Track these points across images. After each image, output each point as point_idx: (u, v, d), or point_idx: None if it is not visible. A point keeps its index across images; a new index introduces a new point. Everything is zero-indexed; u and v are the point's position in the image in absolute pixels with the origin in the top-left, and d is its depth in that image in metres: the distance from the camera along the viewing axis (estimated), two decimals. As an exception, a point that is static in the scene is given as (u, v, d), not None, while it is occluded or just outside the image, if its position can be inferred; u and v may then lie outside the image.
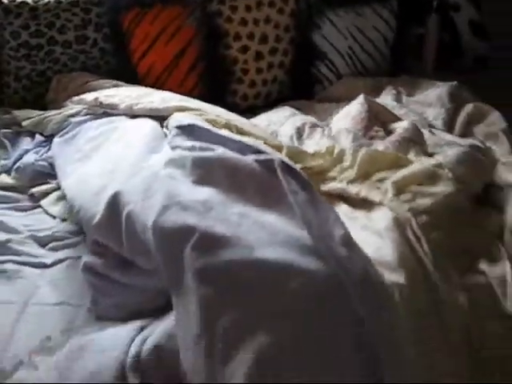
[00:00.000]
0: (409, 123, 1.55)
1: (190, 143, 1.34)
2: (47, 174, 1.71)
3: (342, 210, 1.24)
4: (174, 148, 1.39)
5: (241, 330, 0.95)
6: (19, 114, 1.94)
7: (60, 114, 1.87)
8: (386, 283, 1.02)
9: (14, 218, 1.57)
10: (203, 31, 2.13)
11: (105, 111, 1.78)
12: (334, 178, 1.35)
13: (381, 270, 1.04)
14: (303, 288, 0.99)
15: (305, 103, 2.09)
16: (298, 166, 1.28)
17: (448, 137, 1.61)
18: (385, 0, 2.28)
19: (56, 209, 1.60)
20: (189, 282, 1.01)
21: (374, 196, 1.25)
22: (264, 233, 1.06)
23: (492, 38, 2.31)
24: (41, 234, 1.51)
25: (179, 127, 1.45)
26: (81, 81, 2.03)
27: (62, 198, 1.60)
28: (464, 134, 1.73)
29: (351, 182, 1.31)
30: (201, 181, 1.20)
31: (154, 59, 2.11)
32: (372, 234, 1.15)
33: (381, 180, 1.29)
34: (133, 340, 1.09)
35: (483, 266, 1.16)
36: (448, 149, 1.43)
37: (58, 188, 1.63)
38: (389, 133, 1.54)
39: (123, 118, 1.72)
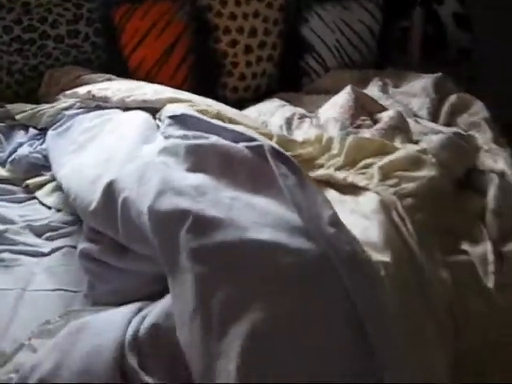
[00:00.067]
0: (394, 112, 1.60)
1: (182, 132, 1.38)
2: (41, 166, 1.74)
3: (331, 195, 1.28)
4: (167, 137, 1.42)
5: (235, 306, 0.98)
6: (12, 107, 1.97)
7: (53, 107, 1.89)
8: (373, 261, 1.06)
9: (9, 210, 1.59)
10: (193, 25, 2.16)
11: (98, 104, 1.80)
12: (322, 165, 1.39)
13: (368, 250, 1.08)
14: (294, 266, 1.03)
15: (293, 95, 2.12)
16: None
17: (432, 125, 1.66)
18: (370, -7, 2.33)
19: (51, 200, 1.63)
20: (184, 262, 1.04)
21: (361, 181, 1.29)
22: (255, 215, 1.09)
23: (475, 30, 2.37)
24: (36, 224, 1.54)
25: (172, 117, 1.48)
26: (73, 75, 2.06)
27: (57, 189, 1.64)
28: (448, 123, 1.77)
29: (339, 168, 1.36)
30: (194, 168, 1.24)
31: (144, 53, 2.14)
32: (359, 216, 1.19)
33: (367, 166, 1.33)
34: (130, 321, 1.11)
35: (465, 245, 1.21)
36: (432, 136, 1.48)
37: (53, 179, 1.66)
38: (375, 122, 1.59)
39: (116, 110, 1.75)
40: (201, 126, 1.41)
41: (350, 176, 1.32)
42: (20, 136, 1.88)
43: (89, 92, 1.84)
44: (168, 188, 1.15)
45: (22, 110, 1.94)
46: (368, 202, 1.23)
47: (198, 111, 1.50)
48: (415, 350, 1.06)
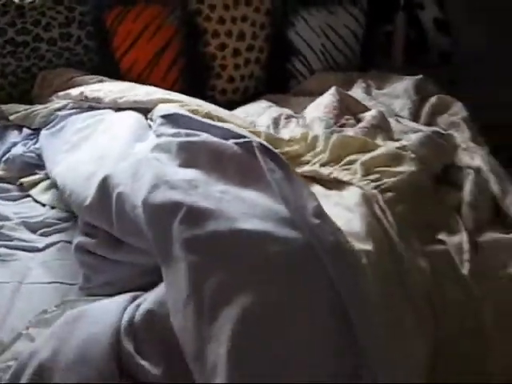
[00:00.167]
0: (376, 112, 1.66)
1: (174, 130, 1.43)
2: (35, 165, 1.78)
3: (316, 189, 1.34)
4: (159, 136, 1.47)
5: (226, 291, 1.02)
6: (6, 108, 2.00)
7: (46, 108, 1.93)
8: (355, 249, 1.11)
9: (4, 207, 1.63)
10: (183, 29, 2.21)
11: (90, 105, 1.84)
12: (308, 162, 1.45)
13: (351, 240, 1.13)
14: (281, 254, 1.07)
15: (280, 97, 2.18)
16: (274, 151, 1.37)
17: (413, 125, 1.72)
18: (355, -1, 2.40)
19: (45, 197, 1.67)
20: (177, 252, 1.09)
21: (345, 176, 1.35)
22: (244, 206, 1.14)
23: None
24: (31, 221, 1.57)
25: (164, 116, 1.53)
26: (66, 77, 2.09)
27: (51, 187, 1.67)
28: (429, 123, 1.83)
29: (324, 164, 1.42)
30: (186, 163, 1.29)
31: (136, 56, 2.18)
32: (343, 209, 1.25)
33: (351, 162, 1.40)
34: (125, 309, 1.15)
35: (443, 236, 1.26)
36: (412, 134, 1.55)
37: (47, 178, 1.70)
38: (358, 121, 1.65)
39: (108, 110, 1.79)
40: (192, 124, 1.46)
41: (335, 172, 1.38)
42: (14, 136, 1.92)
43: (81, 93, 1.88)
44: (161, 182, 1.20)
45: (15, 110, 1.98)
46: (351, 195, 1.29)
47: (188, 111, 1.55)
48: (396, 341, 1.09)
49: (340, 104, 1.71)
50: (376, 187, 1.30)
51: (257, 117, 1.88)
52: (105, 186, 1.33)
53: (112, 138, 1.60)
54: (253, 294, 1.02)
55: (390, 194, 1.28)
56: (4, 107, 2.01)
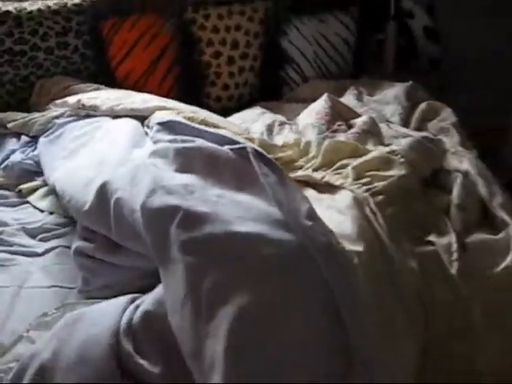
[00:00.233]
0: (367, 117, 1.70)
1: (171, 137, 1.47)
2: (33, 171, 1.80)
3: (309, 193, 1.37)
4: (156, 142, 1.51)
5: (223, 291, 1.05)
6: (4, 116, 2.03)
7: (44, 116, 1.95)
8: (347, 250, 1.14)
9: (3, 213, 1.65)
10: (178, 38, 2.25)
11: (87, 113, 1.87)
12: (301, 167, 1.49)
13: (342, 241, 1.16)
14: (275, 256, 1.10)
15: (274, 104, 2.22)
16: (268, 157, 1.40)
17: (403, 130, 1.76)
18: (346, 8, 2.43)
19: (43, 203, 1.69)
20: (175, 254, 1.12)
21: (337, 180, 1.39)
22: (239, 210, 1.18)
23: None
24: (30, 227, 1.59)
25: (161, 123, 1.57)
26: (63, 85, 2.12)
27: (49, 193, 1.70)
28: (419, 128, 1.87)
29: (316, 169, 1.46)
30: (182, 168, 1.32)
31: (132, 64, 2.22)
32: (335, 212, 1.28)
33: (342, 167, 1.43)
34: (124, 310, 1.17)
35: (432, 237, 1.30)
36: (402, 139, 1.58)
37: (45, 184, 1.73)
38: (350, 127, 1.69)
39: (105, 118, 1.82)
40: (188, 130, 1.50)
41: (327, 176, 1.42)
42: (12, 143, 1.94)
43: (79, 101, 1.91)
44: (159, 187, 1.23)
45: (13, 118, 2.01)
46: (343, 199, 1.32)
47: (184, 118, 1.59)
48: (387, 341, 1.11)
49: (332, 110, 1.76)
50: (367, 190, 1.34)
51: (251, 123, 1.92)
52: (103, 191, 1.36)
53: (110, 143, 1.63)
54: (248, 293, 1.05)
55: (380, 197, 1.32)
56: (2, 115, 2.04)
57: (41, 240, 1.56)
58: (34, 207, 1.69)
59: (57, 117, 1.93)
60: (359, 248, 1.17)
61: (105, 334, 1.14)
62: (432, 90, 2.15)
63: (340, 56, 2.41)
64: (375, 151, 1.48)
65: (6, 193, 1.76)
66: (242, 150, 1.34)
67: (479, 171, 1.51)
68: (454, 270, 1.22)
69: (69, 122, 1.88)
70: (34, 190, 1.75)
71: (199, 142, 1.39)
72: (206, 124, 1.59)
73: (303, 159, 1.52)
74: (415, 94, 2.07)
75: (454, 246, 1.27)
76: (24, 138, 1.95)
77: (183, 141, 1.42)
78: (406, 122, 1.91)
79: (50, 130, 1.88)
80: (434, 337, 1.20)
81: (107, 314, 1.19)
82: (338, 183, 1.38)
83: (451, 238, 1.29)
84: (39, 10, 2.20)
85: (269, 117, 1.96)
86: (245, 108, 2.19)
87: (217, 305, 1.05)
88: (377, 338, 1.10)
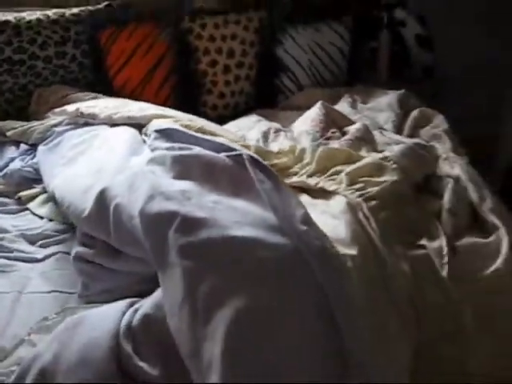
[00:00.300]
0: (360, 125, 1.73)
1: (168, 144, 1.49)
2: (33, 179, 1.83)
3: (304, 199, 1.40)
4: (154, 150, 1.53)
5: (220, 294, 1.07)
6: (4, 124, 2.06)
7: (43, 124, 1.98)
8: (341, 254, 1.16)
9: (3, 220, 1.67)
10: (175, 47, 2.29)
11: (86, 121, 1.90)
12: (296, 173, 1.52)
13: (336, 245, 1.19)
14: (271, 260, 1.13)
15: (269, 111, 2.25)
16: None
17: (396, 137, 1.80)
18: (340, 17, 2.47)
19: (43, 210, 1.71)
20: (173, 258, 1.14)
21: (331, 186, 1.42)
22: (236, 215, 1.20)
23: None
24: (30, 233, 1.61)
25: (158, 131, 1.59)
26: (61, 94, 2.15)
27: (48, 200, 1.72)
28: (411, 135, 1.90)
29: (311, 175, 1.49)
30: (180, 175, 1.34)
31: (129, 73, 2.25)
32: (329, 217, 1.31)
33: (336, 173, 1.47)
34: (124, 314, 1.19)
35: (424, 241, 1.33)
36: (394, 146, 1.62)
37: (44, 192, 1.75)
38: (343, 134, 1.72)
39: (103, 126, 1.84)
40: (185, 138, 1.52)
41: (321, 182, 1.45)
42: (11, 151, 1.97)
43: (77, 109, 1.94)
44: (157, 193, 1.25)
45: (12, 127, 2.04)
46: (337, 204, 1.35)
47: (181, 126, 1.61)
48: (380, 345, 1.13)
49: (326, 118, 1.79)
50: (360, 196, 1.37)
51: (247, 131, 1.94)
52: (102, 198, 1.38)
53: (109, 151, 1.65)
54: (245, 297, 1.07)
55: (373, 202, 1.35)
56: (1, 124, 2.06)
57: (40, 246, 1.58)
58: (34, 214, 1.72)
59: (55, 125, 1.95)
60: (353, 252, 1.19)
61: (105, 336, 1.16)
62: (425, 98, 2.18)
63: (335, 64, 2.45)
64: (368, 157, 1.51)
65: (6, 200, 1.78)
66: (239, 157, 1.36)
67: (470, 177, 1.54)
68: (444, 273, 1.25)
69: (67, 130, 1.90)
70: (33, 197, 1.77)
71: (196, 150, 1.42)
72: (203, 132, 1.61)
73: (298, 165, 1.55)
74: (407, 102, 2.11)
75: (445, 250, 1.29)
76: (23, 146, 1.97)
77: (180, 148, 1.44)
78: (399, 129, 1.95)
79: (49, 138, 1.90)
80: (425, 339, 1.22)
81: (107, 318, 1.20)
82: (331, 189, 1.41)
83: (442, 242, 1.32)
84: (38, 19, 2.23)
85: (264, 124, 1.99)
86: (241, 116, 2.22)
87: (214, 308, 1.07)
88: (371, 342, 1.12)
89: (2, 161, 1.93)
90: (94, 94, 2.14)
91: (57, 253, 1.54)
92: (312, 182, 1.46)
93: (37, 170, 1.84)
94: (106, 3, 2.38)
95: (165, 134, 1.58)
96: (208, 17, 2.33)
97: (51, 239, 1.60)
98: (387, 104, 2.08)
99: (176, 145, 1.47)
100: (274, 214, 1.21)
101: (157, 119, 1.73)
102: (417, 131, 1.93)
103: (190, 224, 1.17)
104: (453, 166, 1.60)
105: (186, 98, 2.31)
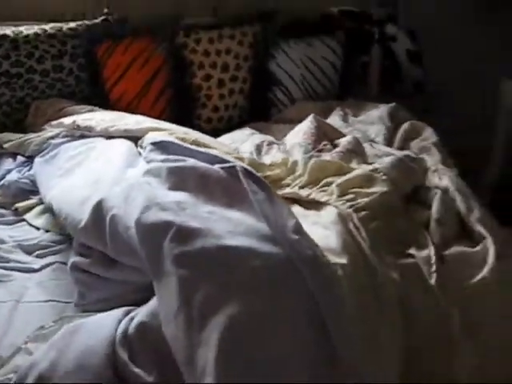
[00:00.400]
0: (351, 137, 1.77)
1: (163, 157, 1.52)
2: (29, 190, 1.84)
3: (296, 210, 1.43)
4: (149, 162, 1.56)
5: (214, 302, 1.10)
6: (0, 137, 2.07)
7: (40, 136, 2.00)
8: (331, 263, 1.19)
9: (0, 231, 1.68)
10: (170, 61, 2.32)
11: (82, 133, 1.92)
12: (288, 185, 1.55)
13: (327, 255, 1.21)
14: (264, 268, 1.15)
15: (263, 125, 2.29)
16: (257, 175, 1.46)
17: (386, 149, 1.84)
18: (332, 32, 2.52)
19: (39, 221, 1.73)
20: (168, 267, 1.17)
21: (322, 197, 1.45)
22: (230, 225, 1.23)
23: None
24: (27, 244, 1.63)
25: (154, 144, 1.62)
26: (58, 106, 2.17)
27: (45, 211, 1.74)
28: (402, 147, 1.95)
29: (303, 186, 1.52)
30: (175, 187, 1.37)
31: (125, 87, 2.28)
32: (320, 227, 1.34)
33: (328, 184, 1.50)
34: (120, 322, 1.22)
35: (412, 250, 1.36)
36: (384, 158, 1.66)
37: (41, 203, 1.76)
38: (335, 146, 1.76)
39: (100, 138, 1.87)
40: (180, 150, 1.55)
41: (313, 193, 1.49)
42: (8, 163, 1.99)
43: (74, 122, 1.96)
44: (152, 204, 1.28)
45: (9, 139, 2.05)
46: (328, 214, 1.39)
47: (177, 138, 1.64)
48: (371, 354, 1.14)
49: (318, 131, 1.83)
50: (351, 207, 1.40)
51: (240, 143, 1.98)
52: (99, 209, 1.41)
53: (105, 163, 1.68)
54: (238, 304, 1.10)
55: (363, 213, 1.38)
56: (-2, 136, 2.07)
57: (37, 256, 1.59)
58: (30, 225, 1.73)
59: (52, 137, 1.97)
60: (343, 260, 1.22)
61: (101, 344, 1.18)
62: (416, 113, 2.22)
63: (327, 79, 2.49)
64: (359, 169, 1.54)
65: (3, 211, 1.79)
66: (232, 169, 1.39)
67: (458, 187, 1.57)
68: (433, 281, 1.28)
69: (64, 142, 1.92)
70: (30, 209, 1.79)
71: (191, 162, 1.45)
72: (198, 144, 1.64)
73: (290, 177, 1.58)
74: (398, 115, 2.15)
75: (433, 259, 1.33)
76: (20, 158, 1.99)
77: (176, 160, 1.47)
78: (389, 142, 1.99)
79: (46, 150, 1.92)
80: (413, 346, 1.24)
81: (103, 326, 1.23)
82: (323, 200, 1.44)
83: (430, 251, 1.35)
84: (36, 33, 2.25)
85: (257, 137, 2.02)
86: (235, 129, 2.24)
87: (208, 315, 1.09)
88: (361, 350, 1.14)
89: None
90: (90, 107, 2.16)
91: (53, 263, 1.56)
92: (304, 193, 1.49)
93: (33, 182, 1.86)
94: (102, 18, 2.42)
95: (160, 146, 1.61)
96: (202, 31, 2.36)
97: (48, 249, 1.62)
98: (378, 117, 2.12)
99: (171, 157, 1.50)
100: (267, 224, 1.24)
101: (152, 132, 1.76)
102: (407, 144, 1.97)
103: (185, 234, 1.20)
104: (441, 178, 1.64)
105: (181, 111, 2.34)
